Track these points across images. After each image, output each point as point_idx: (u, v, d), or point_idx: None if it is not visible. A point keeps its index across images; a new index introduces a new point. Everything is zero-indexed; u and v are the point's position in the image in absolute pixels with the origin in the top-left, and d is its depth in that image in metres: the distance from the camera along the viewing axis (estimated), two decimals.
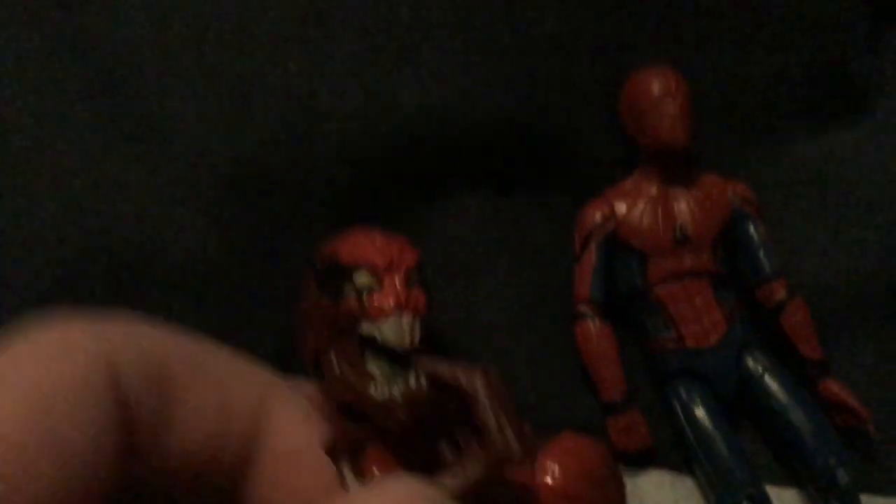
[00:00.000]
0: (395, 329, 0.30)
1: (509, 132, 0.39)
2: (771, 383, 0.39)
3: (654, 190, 0.39)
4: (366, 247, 0.31)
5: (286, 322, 0.38)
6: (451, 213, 0.40)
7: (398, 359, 0.30)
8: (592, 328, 0.39)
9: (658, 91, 0.38)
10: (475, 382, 0.29)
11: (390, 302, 0.30)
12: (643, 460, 0.39)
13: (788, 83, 0.41)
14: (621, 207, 0.39)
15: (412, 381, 0.30)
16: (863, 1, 0.41)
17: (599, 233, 0.39)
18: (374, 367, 0.31)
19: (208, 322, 0.38)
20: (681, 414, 0.39)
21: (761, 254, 0.40)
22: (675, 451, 0.40)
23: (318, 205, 0.38)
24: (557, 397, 0.40)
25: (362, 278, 0.30)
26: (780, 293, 0.39)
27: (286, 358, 0.38)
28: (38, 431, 0.20)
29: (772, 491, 0.39)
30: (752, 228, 0.40)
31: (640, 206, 0.39)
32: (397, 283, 0.30)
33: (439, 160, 0.39)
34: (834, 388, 0.39)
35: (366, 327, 0.30)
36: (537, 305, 0.40)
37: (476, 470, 0.27)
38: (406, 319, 0.30)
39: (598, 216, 0.39)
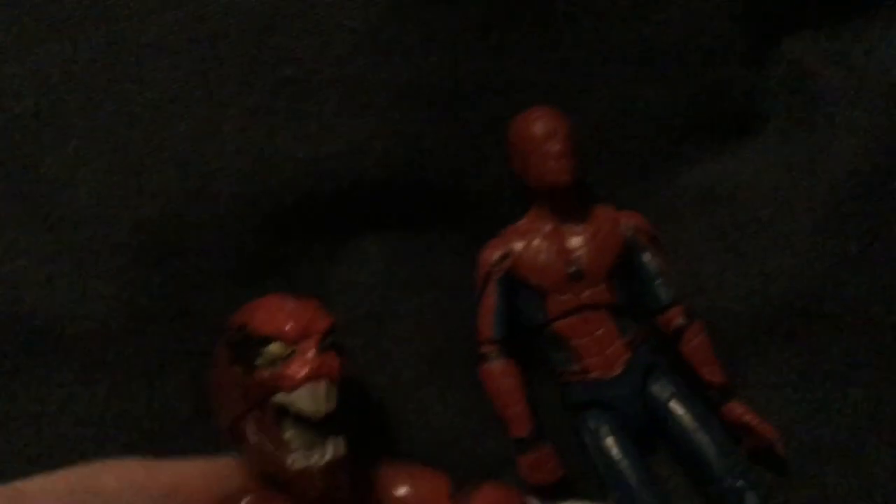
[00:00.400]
0: (308, 398, 0.30)
1: (401, 178, 0.40)
2: (677, 409, 0.40)
3: (548, 227, 0.40)
4: (277, 316, 0.31)
5: (202, 385, 0.39)
6: (354, 261, 0.41)
7: (316, 426, 0.31)
8: (496, 368, 0.39)
9: (539, 132, 0.39)
10: None
11: (303, 371, 0.30)
12: (557, 493, 0.40)
13: (675, 111, 0.42)
14: (517, 246, 0.40)
15: (330, 448, 0.31)
16: (739, 23, 0.42)
17: (497, 272, 0.40)
18: (292, 435, 0.31)
19: (122, 388, 0.39)
20: (590, 444, 0.40)
21: (657, 282, 0.40)
22: (592, 480, 0.40)
23: (220, 263, 0.39)
24: (470, 436, 0.40)
25: (275, 349, 0.31)
26: (678, 320, 0.40)
27: (204, 422, 0.39)
28: None
29: None
30: (646, 258, 0.40)
31: (536, 243, 0.40)
32: (310, 350, 0.31)
33: (335, 209, 0.40)
34: (738, 410, 0.39)
35: (280, 397, 0.30)
36: (446, 345, 0.41)
37: None
38: (320, 387, 0.30)
39: (495, 256, 0.40)
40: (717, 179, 0.42)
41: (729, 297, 0.41)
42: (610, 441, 0.39)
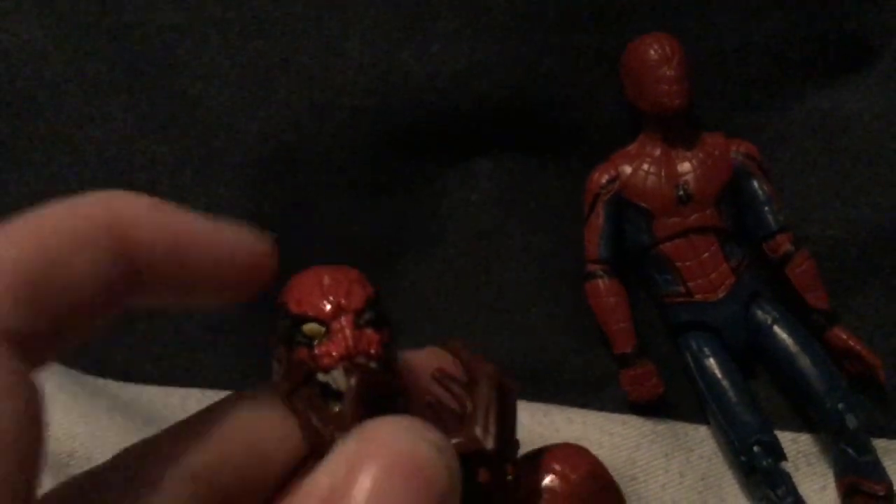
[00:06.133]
0: (345, 377, 0.29)
1: (517, 100, 0.41)
2: (780, 333, 0.40)
3: (657, 152, 0.41)
4: (312, 294, 0.30)
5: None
6: (466, 179, 0.42)
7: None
8: (601, 286, 0.41)
9: (654, 57, 0.39)
10: (484, 372, 0.29)
11: (338, 350, 0.29)
12: (656, 409, 0.41)
13: (790, 40, 0.42)
14: (626, 170, 0.41)
15: None
16: None
17: (605, 194, 0.41)
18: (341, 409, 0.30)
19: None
20: (692, 365, 0.41)
21: (765, 209, 0.41)
22: (692, 401, 0.41)
23: (340, 175, 0.41)
24: (574, 352, 0.42)
25: (310, 328, 0.30)
26: (785, 246, 0.40)
27: None
28: None
29: (788, 436, 0.41)
30: (755, 185, 0.41)
31: (645, 167, 0.41)
32: (345, 328, 0.30)
33: (451, 128, 0.41)
34: (842, 335, 0.40)
35: (321, 376, 0.29)
36: (553, 265, 0.42)
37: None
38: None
39: (603, 179, 0.41)
40: (830, 110, 0.42)
41: (836, 227, 0.41)
42: (712, 362, 0.40)
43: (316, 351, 0.30)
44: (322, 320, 0.30)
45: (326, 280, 0.31)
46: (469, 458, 0.27)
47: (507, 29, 0.41)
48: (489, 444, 0.28)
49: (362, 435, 0.21)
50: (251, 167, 0.41)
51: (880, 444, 0.40)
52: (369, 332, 0.30)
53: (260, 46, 0.41)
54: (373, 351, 0.30)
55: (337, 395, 0.31)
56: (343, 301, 0.30)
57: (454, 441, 0.27)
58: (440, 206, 0.42)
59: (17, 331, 0.24)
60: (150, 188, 0.41)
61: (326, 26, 0.41)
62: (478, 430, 0.28)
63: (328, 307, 0.30)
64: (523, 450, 0.39)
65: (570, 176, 0.42)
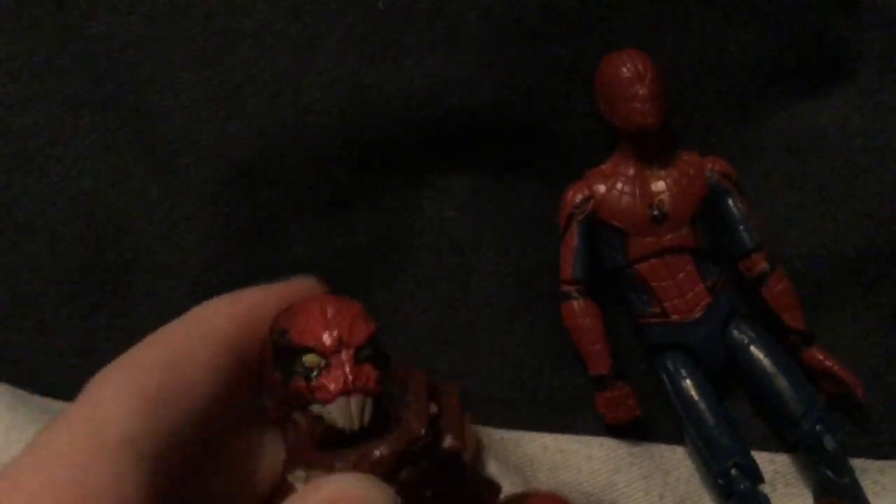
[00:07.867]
0: (342, 412, 0.29)
1: (491, 115, 0.40)
2: (756, 353, 0.40)
3: (631, 170, 0.41)
4: (315, 325, 0.30)
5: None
6: (440, 196, 0.42)
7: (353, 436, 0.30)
8: (576, 307, 0.40)
9: (626, 75, 0.39)
10: (413, 378, 0.32)
11: (337, 385, 0.29)
12: (633, 431, 0.41)
13: (767, 54, 0.41)
14: (600, 188, 0.40)
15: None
16: None
17: (579, 214, 0.40)
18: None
19: None
20: (668, 386, 0.40)
21: (741, 227, 0.40)
22: (667, 422, 0.41)
23: (310, 193, 0.40)
24: (550, 372, 0.41)
25: (310, 359, 0.30)
26: (762, 265, 0.40)
27: None
28: None
29: (765, 456, 0.40)
30: (730, 203, 0.41)
31: (619, 186, 0.40)
32: (345, 363, 0.30)
33: (424, 145, 0.41)
34: (819, 355, 0.40)
35: (315, 408, 0.30)
36: (528, 283, 0.42)
37: (388, 447, 0.29)
38: (354, 401, 0.29)
39: (577, 198, 0.40)
40: (806, 125, 0.42)
41: (812, 243, 0.41)
42: (688, 383, 0.40)
43: (314, 383, 0.30)
44: (323, 353, 0.30)
45: (330, 312, 0.31)
46: (415, 455, 0.29)
47: (481, 43, 0.40)
48: (421, 428, 0.30)
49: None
50: (219, 183, 0.40)
51: (857, 463, 0.39)
52: (368, 367, 0.30)
53: (227, 61, 0.40)
54: (371, 387, 0.30)
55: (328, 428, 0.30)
56: (346, 335, 0.30)
57: (395, 442, 0.29)
58: (413, 224, 0.42)
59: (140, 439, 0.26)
60: (116, 206, 0.40)
61: (294, 41, 0.40)
62: (413, 422, 0.30)
63: (330, 340, 0.30)
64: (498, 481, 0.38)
65: (545, 192, 0.42)
